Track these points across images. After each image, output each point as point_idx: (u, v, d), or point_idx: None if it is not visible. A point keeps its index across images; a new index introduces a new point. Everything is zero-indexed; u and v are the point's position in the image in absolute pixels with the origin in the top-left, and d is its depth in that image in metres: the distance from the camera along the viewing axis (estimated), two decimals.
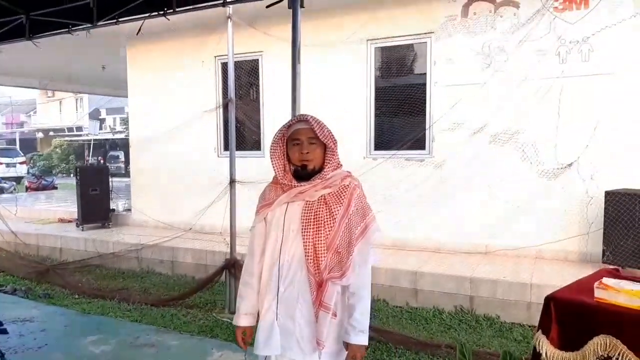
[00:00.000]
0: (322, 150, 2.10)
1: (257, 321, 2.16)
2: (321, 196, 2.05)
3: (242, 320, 2.21)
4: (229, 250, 5.41)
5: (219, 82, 7.96)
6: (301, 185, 2.08)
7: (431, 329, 4.70)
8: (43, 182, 18.26)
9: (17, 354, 4.20)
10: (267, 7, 3.91)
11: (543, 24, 5.70)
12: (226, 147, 7.50)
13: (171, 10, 4.44)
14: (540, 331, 2.14)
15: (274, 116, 7.30)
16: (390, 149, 6.65)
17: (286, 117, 2.28)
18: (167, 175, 8.41)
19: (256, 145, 7.74)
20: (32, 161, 30.33)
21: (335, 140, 2.10)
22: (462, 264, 5.60)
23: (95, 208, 8.59)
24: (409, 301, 5.33)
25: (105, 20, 4.78)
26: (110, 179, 9.12)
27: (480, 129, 6.05)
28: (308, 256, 2.02)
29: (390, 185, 6.54)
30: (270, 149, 2.15)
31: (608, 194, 5.10)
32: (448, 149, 6.28)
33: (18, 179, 21.32)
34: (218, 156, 8.01)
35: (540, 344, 2.10)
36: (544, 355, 2.07)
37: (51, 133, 37.45)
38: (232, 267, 5.15)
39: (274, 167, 2.15)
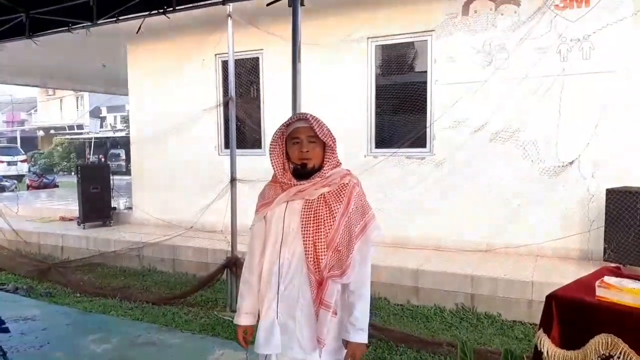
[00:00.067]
0: (321, 148, 2.10)
1: (258, 320, 2.16)
2: (321, 195, 2.05)
3: (243, 319, 2.21)
4: (230, 248, 5.42)
5: (220, 80, 7.96)
6: (301, 184, 2.08)
7: (432, 327, 4.70)
8: (44, 180, 18.28)
9: (18, 352, 4.21)
10: (268, 5, 3.91)
11: (544, 22, 5.69)
12: (227, 145, 7.50)
13: (171, 9, 4.45)
14: (541, 330, 2.14)
15: (274, 114, 7.29)
16: (391, 147, 6.64)
17: (286, 115, 2.27)
18: (168, 174, 8.41)
19: (257, 144, 7.74)
20: (33, 159, 30.35)
21: (334, 138, 2.10)
22: (463, 262, 5.60)
23: (97, 206, 8.60)
24: (410, 299, 5.33)
25: (105, 19, 4.79)
26: (111, 177, 9.12)
27: (481, 127, 6.05)
28: (308, 255, 2.02)
29: (391, 183, 6.54)
30: (270, 148, 2.15)
31: (609, 192, 5.10)
32: (449, 147, 6.28)
33: (19, 177, 21.32)
34: (219, 154, 8.01)
35: (542, 342, 2.10)
36: (545, 353, 2.07)
37: (52, 131, 37.48)
38: (233, 265, 5.16)
39: (273, 165, 2.15)
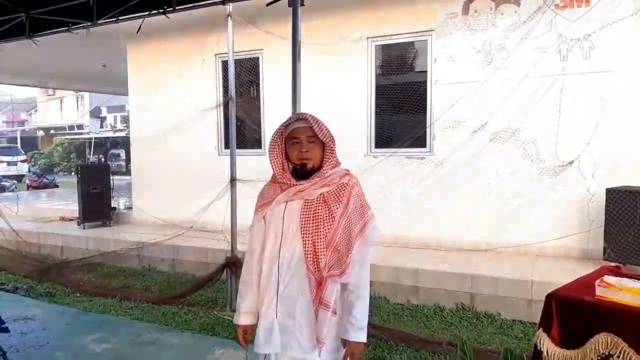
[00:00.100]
0: (321, 148, 2.10)
1: (258, 319, 2.17)
2: (320, 194, 2.06)
3: (243, 318, 2.22)
4: (229, 248, 5.42)
5: (220, 80, 7.96)
6: (300, 184, 2.09)
7: (432, 326, 4.70)
8: (44, 180, 18.29)
9: (18, 352, 4.21)
10: (268, 5, 3.91)
11: (544, 21, 5.69)
12: (227, 145, 7.50)
13: (171, 9, 4.45)
14: (541, 329, 2.14)
15: (274, 114, 7.29)
16: (391, 147, 6.64)
17: (286, 115, 2.28)
18: (168, 174, 8.41)
19: (257, 144, 7.74)
20: (33, 159, 30.36)
21: (333, 138, 2.10)
22: (463, 262, 5.60)
23: (97, 206, 8.60)
24: (410, 299, 5.33)
25: (105, 19, 4.79)
26: (111, 177, 9.12)
27: (481, 127, 6.05)
28: (307, 254, 2.02)
29: (391, 183, 6.54)
30: (269, 148, 2.15)
31: (609, 191, 5.10)
32: (449, 146, 6.28)
33: (19, 178, 21.34)
34: (219, 154, 8.01)
35: (542, 341, 2.10)
36: (545, 353, 2.07)
37: (52, 131, 37.49)
38: (233, 265, 5.16)
39: (272, 165, 2.15)
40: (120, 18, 4.75)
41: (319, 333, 2.01)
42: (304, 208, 2.06)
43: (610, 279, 2.10)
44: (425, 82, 6.45)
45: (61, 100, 36.86)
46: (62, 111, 38.01)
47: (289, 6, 3.78)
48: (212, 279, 5.57)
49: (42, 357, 4.16)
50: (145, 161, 8.85)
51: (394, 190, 6.50)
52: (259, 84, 7.70)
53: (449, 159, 6.28)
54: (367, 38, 6.72)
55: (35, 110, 40.90)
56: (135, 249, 7.13)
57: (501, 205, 6.04)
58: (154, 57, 8.50)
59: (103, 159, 28.44)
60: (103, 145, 31.88)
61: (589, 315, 2.01)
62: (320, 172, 2.09)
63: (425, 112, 6.45)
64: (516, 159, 5.94)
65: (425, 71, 6.46)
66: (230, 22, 5.28)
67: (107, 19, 4.78)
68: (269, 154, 2.15)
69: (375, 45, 6.76)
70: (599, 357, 1.93)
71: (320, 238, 2.01)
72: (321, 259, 2.00)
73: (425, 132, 6.46)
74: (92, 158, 28.41)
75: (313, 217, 2.03)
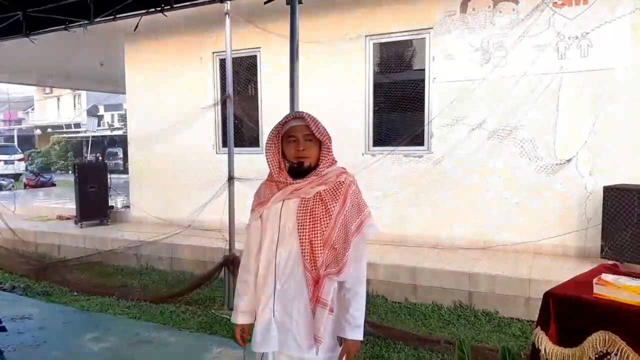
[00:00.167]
0: (317, 147, 2.09)
1: (255, 318, 2.16)
2: (317, 193, 2.05)
3: (240, 317, 2.21)
4: (227, 246, 5.41)
5: (217, 79, 7.94)
6: (296, 183, 2.08)
7: (430, 324, 4.71)
8: (41, 179, 18.22)
9: (15, 351, 4.20)
10: (265, 2, 3.90)
11: (542, 19, 5.69)
12: (224, 144, 7.49)
13: (169, 7, 4.43)
14: (539, 327, 2.14)
15: (272, 112, 7.27)
16: (389, 146, 6.64)
17: (284, 113, 2.27)
18: (165, 172, 8.39)
19: (255, 142, 7.73)
20: (30, 158, 30.27)
21: (330, 137, 2.10)
22: (460, 260, 5.61)
23: (94, 205, 8.58)
24: (408, 297, 5.33)
25: (102, 17, 4.77)
26: (108, 176, 9.10)
27: (478, 125, 6.05)
28: (304, 253, 2.02)
29: (389, 181, 6.54)
30: (266, 146, 2.15)
31: (606, 189, 5.10)
32: (447, 145, 6.28)
33: (16, 176, 21.29)
34: (217, 153, 7.99)
35: (539, 340, 2.10)
36: (542, 351, 2.07)
37: (49, 130, 37.38)
38: (231, 263, 5.16)
39: (269, 164, 2.14)
40: (117, 16, 4.73)
41: (317, 331, 2.01)
42: (300, 206, 2.05)
43: (608, 277, 2.10)
44: (423, 80, 6.45)
45: (58, 99, 36.72)
46: (59, 109, 37.90)
47: (287, 4, 3.77)
48: (210, 278, 5.56)
49: (40, 356, 4.15)
50: (142, 160, 8.83)
51: (392, 188, 6.51)
52: (256, 82, 7.69)
53: (446, 157, 6.28)
54: (365, 36, 6.71)
55: (32, 109, 40.75)
56: (133, 247, 7.12)
57: (499, 203, 6.05)
58: (152, 56, 8.48)
59: (100, 158, 28.36)
60: (100, 143, 31.80)
61: (587, 313, 2.01)
62: (316, 170, 2.08)
63: (423, 110, 6.45)
64: (514, 157, 5.95)
65: (423, 69, 6.46)
66: (228, 20, 5.27)
67: (105, 17, 4.77)
68: (266, 152, 2.15)
69: (373, 43, 6.75)
70: (596, 355, 1.93)
71: (317, 236, 2.01)
72: (318, 257, 2.00)
73: (423, 130, 6.46)
74: (90, 157, 28.39)
75: (310, 215, 2.03)
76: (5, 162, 23.16)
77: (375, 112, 6.83)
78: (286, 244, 2.06)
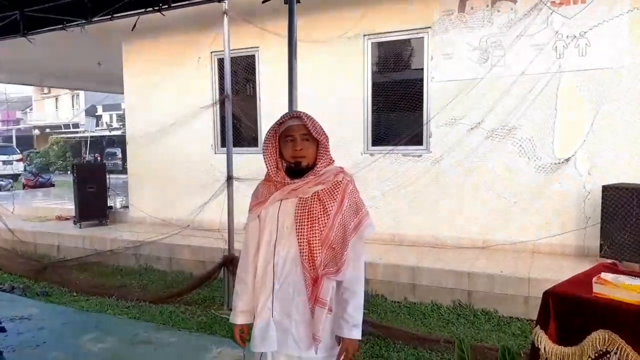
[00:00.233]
0: (315, 146, 2.09)
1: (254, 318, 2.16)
2: (314, 192, 2.05)
3: (239, 318, 2.21)
4: (226, 246, 5.41)
5: (216, 78, 7.93)
6: (294, 182, 2.08)
7: (429, 323, 4.71)
8: (40, 179, 18.21)
9: (15, 352, 4.19)
10: (263, 2, 3.90)
11: (540, 18, 5.69)
12: (223, 144, 7.48)
13: (166, 6, 4.43)
14: (538, 326, 2.14)
15: (270, 112, 7.27)
16: (387, 145, 6.64)
17: (283, 112, 2.26)
18: (164, 172, 8.38)
19: (253, 142, 7.72)
20: (28, 158, 30.24)
21: (327, 136, 2.10)
22: (460, 259, 5.61)
23: (93, 205, 8.56)
24: (408, 296, 5.33)
25: (100, 17, 4.76)
26: (107, 176, 9.09)
27: (477, 124, 6.05)
28: (303, 253, 2.02)
29: (387, 180, 6.54)
30: (263, 146, 2.14)
31: (605, 188, 5.10)
32: (445, 144, 6.28)
33: (15, 177, 21.27)
34: (215, 152, 7.98)
35: (539, 339, 2.09)
36: (542, 350, 2.07)
37: (47, 130, 37.34)
38: (230, 263, 5.15)
39: (266, 164, 2.14)
40: (115, 16, 4.72)
41: (315, 331, 2.01)
42: (298, 206, 2.05)
43: (607, 276, 2.10)
44: (421, 80, 6.45)
45: (56, 99, 36.70)
46: (58, 110, 37.88)
47: (285, 3, 3.76)
48: (209, 278, 5.56)
49: (39, 356, 4.14)
50: (141, 160, 8.82)
51: (391, 187, 6.50)
52: (255, 82, 7.69)
53: (445, 156, 6.28)
54: (364, 35, 6.70)
55: (31, 109, 40.72)
56: (132, 247, 7.11)
57: (498, 202, 6.05)
58: (150, 55, 8.47)
59: (99, 158, 28.35)
60: (99, 143, 31.79)
61: (586, 312, 2.01)
62: (314, 170, 2.08)
63: (422, 110, 6.45)
64: (513, 156, 5.95)
65: (422, 68, 6.46)
66: (226, 20, 5.26)
67: (102, 16, 4.76)
68: (263, 152, 2.14)
69: (372, 43, 6.75)
70: (596, 354, 1.93)
71: (315, 236, 2.00)
72: (316, 257, 2.00)
73: (421, 129, 6.46)
74: (88, 157, 28.35)
75: (308, 215, 2.02)
76: (4, 162, 23.12)
77: (373, 111, 6.83)
78: (284, 244, 2.06)
